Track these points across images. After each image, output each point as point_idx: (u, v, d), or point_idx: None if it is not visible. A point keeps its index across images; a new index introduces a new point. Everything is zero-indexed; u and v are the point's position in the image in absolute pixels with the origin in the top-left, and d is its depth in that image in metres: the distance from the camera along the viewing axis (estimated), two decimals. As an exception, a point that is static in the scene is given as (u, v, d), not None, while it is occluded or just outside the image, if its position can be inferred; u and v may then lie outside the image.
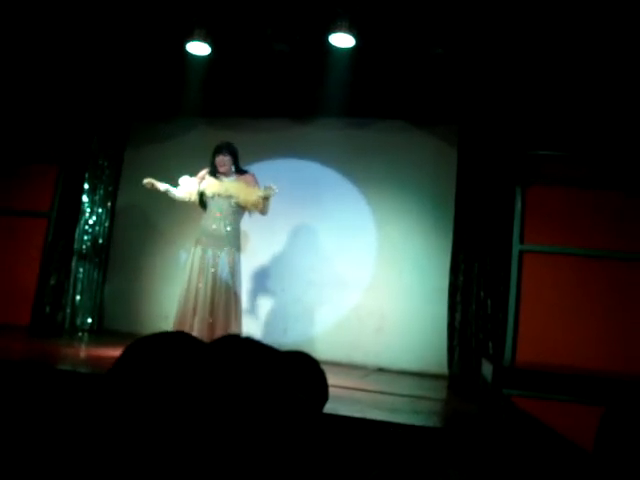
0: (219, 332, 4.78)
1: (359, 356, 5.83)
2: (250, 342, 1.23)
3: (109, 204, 6.72)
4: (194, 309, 4.85)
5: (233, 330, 4.89)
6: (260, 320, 6.12)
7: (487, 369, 4.40)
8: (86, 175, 6.50)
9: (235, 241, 5.06)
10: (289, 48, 5.43)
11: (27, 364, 3.88)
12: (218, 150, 5.06)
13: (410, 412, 3.63)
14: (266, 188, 4.93)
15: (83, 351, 5.33)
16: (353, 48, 5.16)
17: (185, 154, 6.55)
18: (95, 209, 6.59)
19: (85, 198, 6.50)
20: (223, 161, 5.04)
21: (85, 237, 6.50)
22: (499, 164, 5.36)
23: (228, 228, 5.01)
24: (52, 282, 6.33)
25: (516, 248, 5.37)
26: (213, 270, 4.90)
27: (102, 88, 6.39)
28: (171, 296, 6.44)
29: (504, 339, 5.20)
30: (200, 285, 4.88)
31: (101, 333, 6.48)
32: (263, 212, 5.08)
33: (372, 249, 6.05)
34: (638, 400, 1.17)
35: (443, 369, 5.33)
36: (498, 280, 5.26)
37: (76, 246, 6.40)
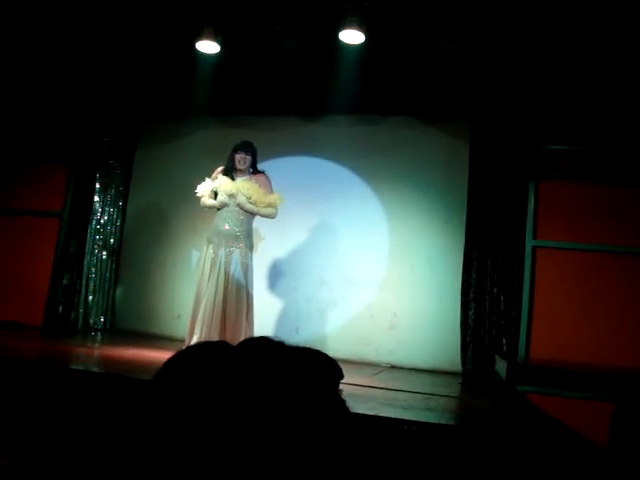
0: (231, 331, 4.78)
1: (372, 353, 5.82)
2: (272, 343, 1.23)
3: (120, 204, 6.74)
4: (207, 309, 4.83)
5: (245, 329, 4.89)
6: (272, 319, 6.11)
7: (501, 366, 4.38)
8: (97, 175, 6.53)
9: (247, 240, 5.05)
10: (298, 45, 5.42)
11: (41, 364, 3.90)
12: (240, 147, 5.08)
13: (423, 409, 3.61)
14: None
15: (96, 351, 5.35)
16: (363, 44, 5.13)
17: (195, 153, 6.58)
18: (107, 209, 6.61)
19: (97, 198, 6.52)
20: (244, 159, 5.04)
21: (97, 237, 6.53)
22: (512, 159, 5.32)
23: (240, 227, 5.01)
24: (65, 282, 6.36)
25: (529, 244, 5.33)
26: (225, 270, 4.89)
27: (112, 88, 6.41)
28: (183, 295, 6.46)
29: (518, 336, 5.16)
30: (212, 285, 4.86)
31: (114, 332, 6.51)
32: (271, 216, 5.15)
33: (384, 246, 6.03)
34: None
35: (456, 366, 5.30)
36: (511, 276, 5.23)
37: (88, 246, 6.43)
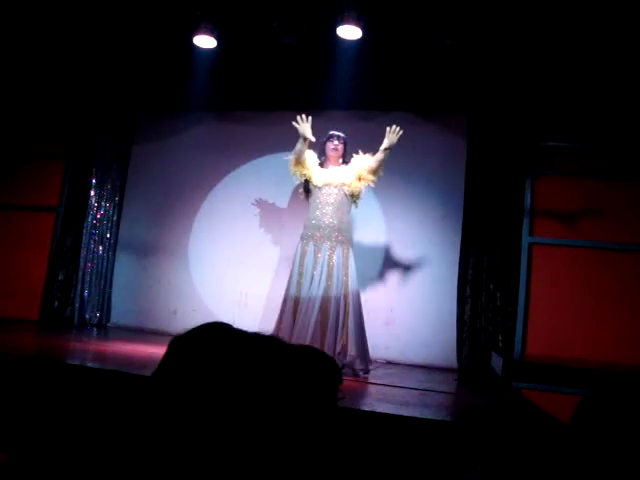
0: (331, 335, 4.51)
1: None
2: (271, 341, 1.22)
3: (117, 198, 6.73)
4: (301, 309, 4.59)
5: (348, 333, 4.59)
6: (269, 315, 6.09)
7: (497, 362, 4.38)
8: (93, 170, 6.51)
9: (349, 234, 4.85)
10: (296, 41, 5.40)
11: (37, 359, 3.89)
12: (334, 136, 4.95)
13: (419, 405, 3.62)
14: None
15: (92, 346, 5.34)
16: (361, 40, 5.12)
17: (192, 148, 6.57)
18: (103, 203, 6.59)
19: (93, 193, 6.50)
20: (338, 147, 4.92)
21: (93, 231, 6.51)
22: (509, 155, 5.32)
23: (342, 220, 4.78)
24: (61, 277, 6.35)
25: (526, 240, 5.34)
26: (328, 267, 4.65)
27: (109, 83, 6.40)
28: (179, 291, 6.46)
29: (514, 332, 5.17)
30: (309, 283, 4.63)
31: (109, 328, 6.50)
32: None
33: (380, 242, 6.02)
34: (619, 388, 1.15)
35: (452, 362, 5.31)
36: (508, 273, 5.23)
37: (84, 240, 6.41)
